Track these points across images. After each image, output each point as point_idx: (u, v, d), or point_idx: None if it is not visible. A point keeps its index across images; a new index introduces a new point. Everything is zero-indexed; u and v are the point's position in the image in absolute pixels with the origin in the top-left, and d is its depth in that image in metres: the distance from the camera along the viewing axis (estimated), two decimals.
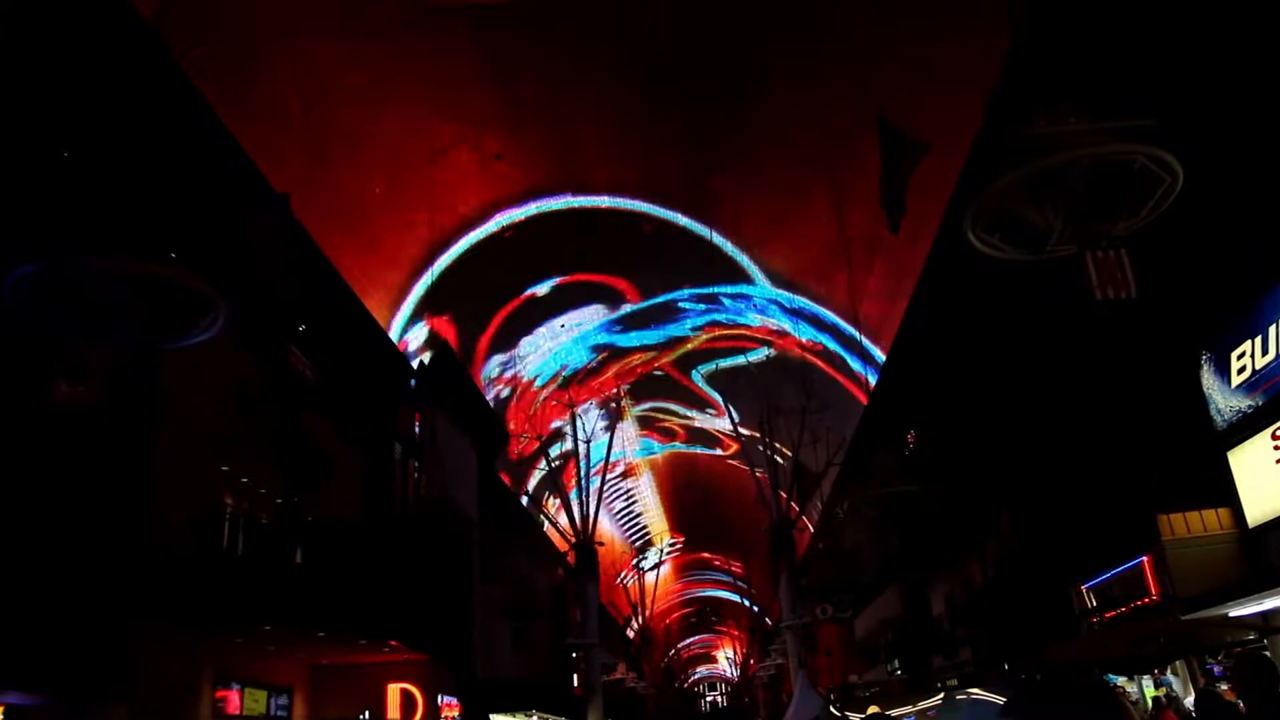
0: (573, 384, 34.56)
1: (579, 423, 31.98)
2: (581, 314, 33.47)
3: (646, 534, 58.28)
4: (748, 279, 30.84)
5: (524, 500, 35.73)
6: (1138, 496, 13.57)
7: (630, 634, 59.14)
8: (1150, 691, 16.79)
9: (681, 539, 61.31)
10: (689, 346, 35.90)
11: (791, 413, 28.39)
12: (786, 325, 32.27)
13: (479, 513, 25.36)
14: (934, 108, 17.78)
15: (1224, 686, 13.11)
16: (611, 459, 35.44)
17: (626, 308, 33.48)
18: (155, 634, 11.68)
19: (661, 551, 58.10)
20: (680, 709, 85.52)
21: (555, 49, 22.16)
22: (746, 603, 64.01)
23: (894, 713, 21.21)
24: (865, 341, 27.26)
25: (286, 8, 18.36)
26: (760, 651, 58.06)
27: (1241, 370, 11.67)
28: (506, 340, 32.30)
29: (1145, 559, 13.06)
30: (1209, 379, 12.38)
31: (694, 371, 38.61)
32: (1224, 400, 12.07)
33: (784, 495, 29.17)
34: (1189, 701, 14.84)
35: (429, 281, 26.24)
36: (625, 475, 49.95)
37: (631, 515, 55.48)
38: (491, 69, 22.26)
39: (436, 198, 24.71)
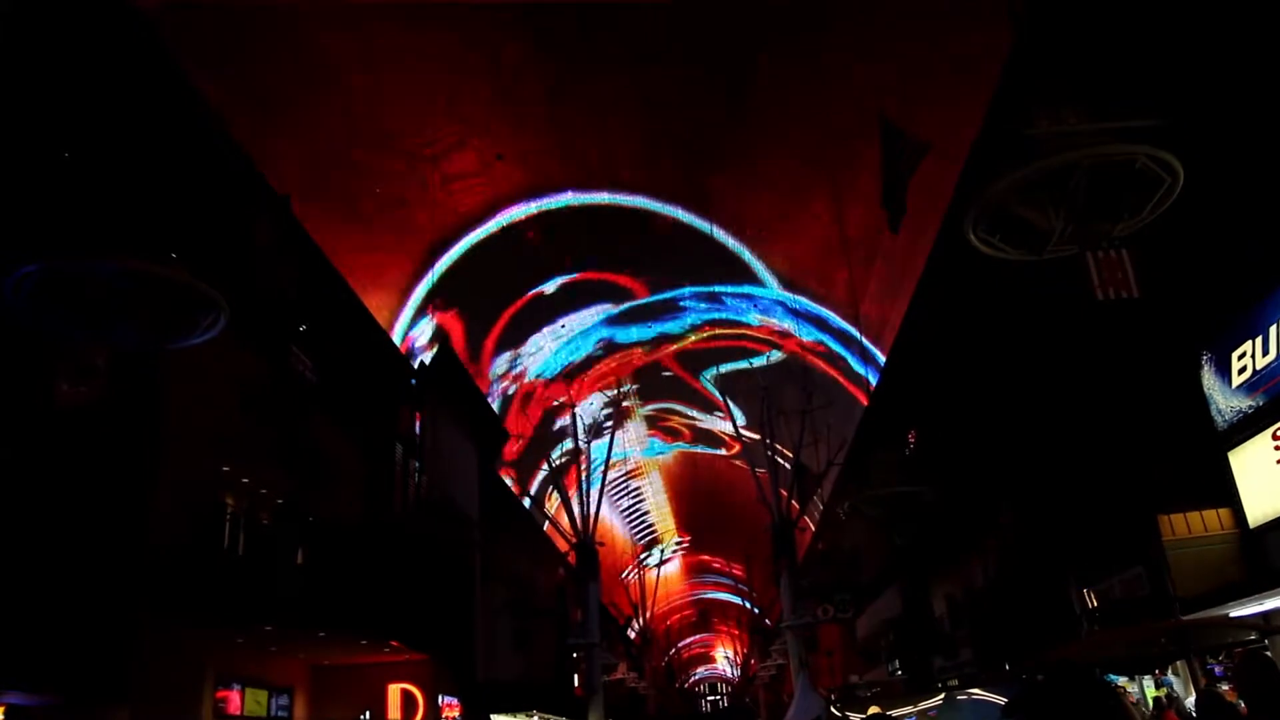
0: (575, 379, 34.56)
1: (579, 421, 31.98)
2: (587, 312, 33.55)
3: (653, 532, 58.38)
4: (756, 280, 30.86)
5: (525, 500, 35.72)
6: (1138, 497, 13.57)
7: (631, 634, 59.14)
8: (1151, 692, 16.76)
9: (688, 538, 61.40)
10: (688, 342, 35.91)
11: (793, 413, 28.40)
12: (789, 326, 32.28)
13: (480, 512, 25.36)
14: (934, 108, 17.79)
15: (1225, 687, 13.09)
16: (618, 458, 35.44)
17: (628, 304, 33.54)
18: (157, 634, 11.69)
19: (664, 550, 58.15)
20: (681, 709, 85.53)
21: (555, 49, 22.17)
22: (747, 604, 63.99)
23: (895, 713, 21.18)
24: (866, 342, 27.27)
25: (287, 9, 18.38)
26: (761, 652, 58.02)
27: (1242, 370, 11.68)
28: (514, 338, 32.34)
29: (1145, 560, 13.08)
30: (1210, 379, 12.39)
31: (703, 375, 38.69)
32: (1225, 400, 12.08)
33: (784, 494, 29.15)
34: (1190, 702, 14.81)
35: (431, 281, 26.28)
36: (632, 475, 50.04)
37: (638, 513, 55.60)
38: (492, 69, 22.28)
39: (437, 198, 24.75)
